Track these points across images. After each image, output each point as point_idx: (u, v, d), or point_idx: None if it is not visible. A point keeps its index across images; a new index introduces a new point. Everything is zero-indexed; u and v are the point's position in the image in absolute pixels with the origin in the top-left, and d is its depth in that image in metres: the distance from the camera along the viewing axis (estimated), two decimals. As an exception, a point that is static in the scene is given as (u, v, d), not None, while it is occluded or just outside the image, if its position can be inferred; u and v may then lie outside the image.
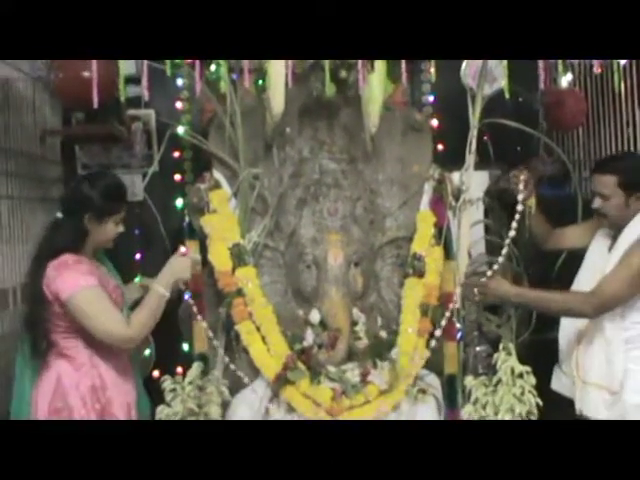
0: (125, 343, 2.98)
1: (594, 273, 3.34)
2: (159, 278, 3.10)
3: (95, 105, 2.99)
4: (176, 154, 4.34)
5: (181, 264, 3.19)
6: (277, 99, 3.40)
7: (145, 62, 3.05)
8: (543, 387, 3.40)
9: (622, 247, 3.22)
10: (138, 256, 4.49)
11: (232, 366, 3.57)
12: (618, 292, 3.13)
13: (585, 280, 3.39)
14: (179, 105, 4.27)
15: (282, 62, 3.20)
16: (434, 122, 4.16)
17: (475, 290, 3.48)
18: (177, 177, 4.39)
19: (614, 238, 3.35)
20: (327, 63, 3.18)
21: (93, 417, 2.95)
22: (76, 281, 2.88)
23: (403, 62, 3.10)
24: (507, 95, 3.25)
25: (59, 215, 3.06)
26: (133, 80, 3.56)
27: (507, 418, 3.21)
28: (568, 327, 3.48)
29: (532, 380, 3.28)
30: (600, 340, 3.26)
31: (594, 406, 3.26)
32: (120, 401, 3.05)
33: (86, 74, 3.15)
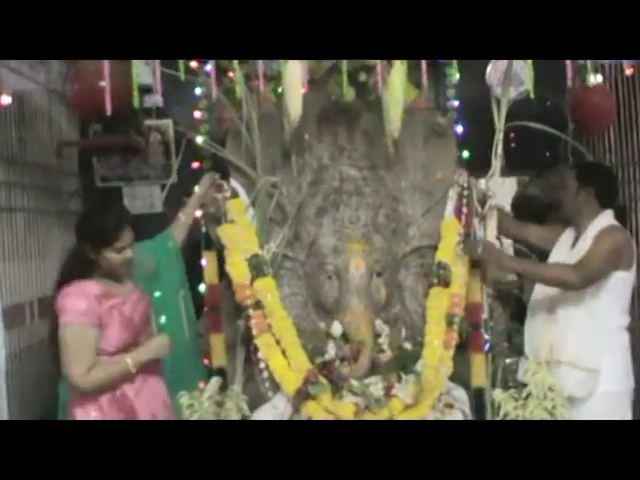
0: (76, 385, 2.93)
1: None
2: (136, 353, 3.02)
3: (108, 112, 2.97)
4: (195, 164, 4.29)
5: (160, 344, 3.12)
6: (294, 103, 3.32)
7: (158, 69, 3.03)
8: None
9: (583, 243, 3.47)
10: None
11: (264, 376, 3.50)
12: (596, 266, 3.36)
13: None
14: (197, 115, 4.22)
15: (298, 66, 3.17)
16: (459, 128, 4.07)
17: (478, 248, 3.55)
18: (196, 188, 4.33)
19: (576, 239, 3.57)
20: (345, 65, 3.13)
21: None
22: (67, 314, 2.90)
23: (424, 66, 3.09)
24: (532, 95, 3.18)
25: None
26: (150, 90, 3.51)
27: (538, 433, 3.16)
28: (537, 314, 3.60)
29: (564, 393, 3.26)
30: (574, 322, 3.43)
31: (567, 383, 3.35)
32: (146, 412, 3.02)
33: (101, 84, 3.11)
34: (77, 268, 3.00)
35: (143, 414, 3.02)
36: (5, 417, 3.27)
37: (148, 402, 3.06)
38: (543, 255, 3.77)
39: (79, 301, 2.92)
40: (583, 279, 3.33)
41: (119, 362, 2.99)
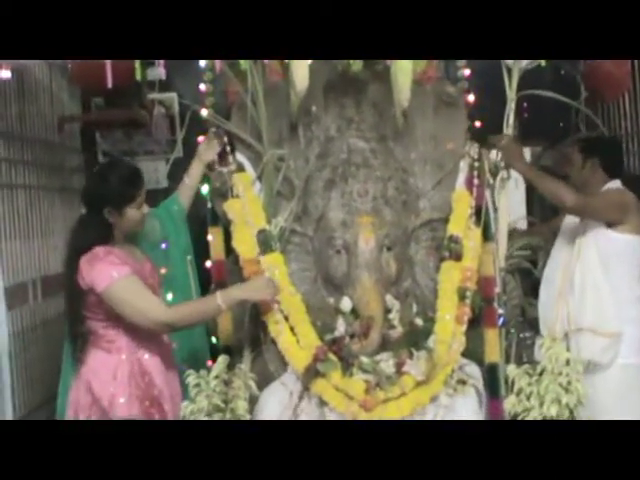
0: (159, 327, 2.97)
1: (571, 237, 3.64)
2: (227, 290, 3.09)
3: (110, 85, 2.95)
4: (201, 139, 4.22)
5: (258, 285, 3.20)
6: (300, 74, 3.27)
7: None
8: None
9: None
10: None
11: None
12: (596, 203, 3.53)
13: (562, 244, 3.69)
14: (202, 87, 4.15)
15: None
16: (470, 97, 3.99)
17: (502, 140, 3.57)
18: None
19: None
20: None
21: (135, 403, 2.95)
22: (109, 273, 2.88)
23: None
24: (544, 63, 3.17)
25: (83, 211, 3.07)
26: (153, 63, 3.45)
27: (553, 409, 3.14)
28: (551, 287, 3.62)
29: (579, 368, 3.22)
30: (591, 289, 3.48)
31: (590, 350, 3.40)
32: (165, 389, 3.06)
33: (102, 57, 3.12)
34: (95, 235, 2.96)
35: (160, 390, 3.03)
36: (9, 397, 3.26)
37: (168, 379, 3.10)
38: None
39: (110, 258, 2.91)
40: (578, 204, 3.44)
41: (206, 299, 3.10)
